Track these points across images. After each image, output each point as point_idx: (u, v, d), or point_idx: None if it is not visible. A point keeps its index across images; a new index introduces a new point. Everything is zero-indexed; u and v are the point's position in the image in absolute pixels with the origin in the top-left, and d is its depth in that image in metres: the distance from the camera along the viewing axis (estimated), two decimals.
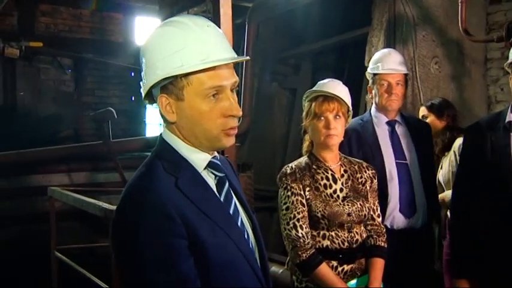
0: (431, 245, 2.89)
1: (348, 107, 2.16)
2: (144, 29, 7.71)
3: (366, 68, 2.91)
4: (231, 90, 1.25)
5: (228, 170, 1.39)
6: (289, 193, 2.10)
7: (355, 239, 2.11)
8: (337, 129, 2.10)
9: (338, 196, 2.12)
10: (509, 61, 2.19)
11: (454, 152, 3.05)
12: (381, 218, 2.24)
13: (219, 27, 1.29)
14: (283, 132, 6.16)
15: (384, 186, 2.52)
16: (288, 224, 2.08)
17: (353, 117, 2.32)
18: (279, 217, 2.17)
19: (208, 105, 1.22)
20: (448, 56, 4.12)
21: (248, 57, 1.40)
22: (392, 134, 2.68)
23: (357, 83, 4.60)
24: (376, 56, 2.76)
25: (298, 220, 2.06)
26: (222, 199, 1.29)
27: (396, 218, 2.56)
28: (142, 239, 1.13)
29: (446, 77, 4.12)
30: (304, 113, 2.20)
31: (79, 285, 3.65)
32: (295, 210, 2.07)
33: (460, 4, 3.62)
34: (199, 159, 1.27)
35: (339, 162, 2.19)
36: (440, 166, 3.16)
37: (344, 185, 2.15)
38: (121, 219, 1.19)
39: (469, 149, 2.33)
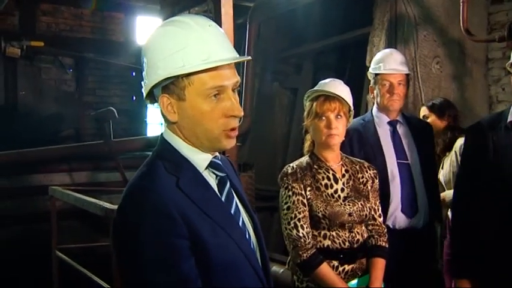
0: (434, 244, 2.89)
1: (350, 106, 2.16)
2: (145, 28, 7.70)
3: (367, 68, 2.91)
4: (233, 90, 1.25)
5: (229, 170, 1.39)
6: (290, 193, 2.10)
7: (356, 239, 2.11)
8: (339, 129, 2.10)
9: (339, 196, 2.12)
10: (510, 61, 2.18)
11: (455, 152, 3.05)
12: (382, 218, 2.24)
13: (220, 27, 1.29)
14: (284, 132, 6.16)
15: (386, 186, 2.52)
16: (289, 223, 2.08)
17: (354, 117, 2.32)
18: (279, 217, 2.17)
19: (209, 105, 1.22)
20: (450, 56, 4.12)
21: (250, 57, 1.39)
22: (394, 134, 2.68)
23: (358, 83, 4.61)
24: (378, 56, 2.76)
25: (299, 220, 2.06)
26: (223, 199, 1.29)
27: (398, 218, 2.57)
28: (143, 238, 1.12)
29: (448, 77, 4.11)
30: (305, 113, 2.20)
31: (80, 284, 3.65)
32: (296, 210, 2.07)
33: (461, 4, 3.62)
34: (200, 159, 1.27)
35: (340, 162, 2.19)
36: (441, 166, 3.16)
37: (345, 185, 2.14)
38: (122, 218, 1.19)
39: (471, 149, 2.33)
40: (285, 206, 2.10)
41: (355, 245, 2.10)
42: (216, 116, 1.23)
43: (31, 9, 6.85)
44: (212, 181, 1.29)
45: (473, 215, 2.20)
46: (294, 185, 2.10)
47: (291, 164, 2.18)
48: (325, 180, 2.12)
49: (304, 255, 2.02)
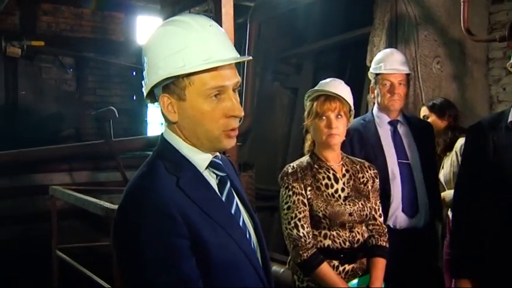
0: (434, 244, 2.89)
1: (350, 106, 2.16)
2: (145, 28, 7.70)
3: (367, 68, 2.91)
4: (233, 91, 1.25)
5: (230, 170, 1.39)
6: (290, 192, 2.10)
7: (356, 239, 2.11)
8: (339, 129, 2.10)
9: (339, 196, 2.11)
10: (511, 61, 2.18)
11: (456, 152, 3.04)
12: (382, 218, 2.24)
13: (221, 27, 1.29)
14: (285, 131, 6.16)
15: (387, 186, 2.52)
16: (289, 223, 2.08)
17: (355, 116, 2.32)
18: (280, 216, 2.17)
19: (210, 105, 1.22)
20: (450, 56, 4.12)
21: (250, 57, 1.39)
22: (395, 134, 2.68)
23: (358, 83, 4.61)
24: (379, 56, 2.76)
25: (299, 220, 2.06)
26: (223, 199, 1.29)
27: (399, 217, 2.57)
28: (144, 238, 1.12)
29: (448, 77, 4.11)
30: (305, 113, 2.20)
31: (80, 284, 3.66)
32: (297, 210, 2.07)
33: (462, 4, 3.62)
34: (200, 159, 1.27)
35: (341, 162, 2.19)
36: (441, 166, 3.16)
37: (346, 185, 2.14)
38: (122, 218, 1.19)
39: (471, 149, 2.33)
40: (286, 206, 2.10)
41: (356, 245, 2.10)
42: (217, 116, 1.22)
43: (32, 9, 6.85)
44: (212, 181, 1.29)
45: (473, 215, 2.20)
46: (294, 184, 2.10)
47: (292, 164, 2.18)
48: (326, 180, 2.12)
49: (305, 255, 2.02)
